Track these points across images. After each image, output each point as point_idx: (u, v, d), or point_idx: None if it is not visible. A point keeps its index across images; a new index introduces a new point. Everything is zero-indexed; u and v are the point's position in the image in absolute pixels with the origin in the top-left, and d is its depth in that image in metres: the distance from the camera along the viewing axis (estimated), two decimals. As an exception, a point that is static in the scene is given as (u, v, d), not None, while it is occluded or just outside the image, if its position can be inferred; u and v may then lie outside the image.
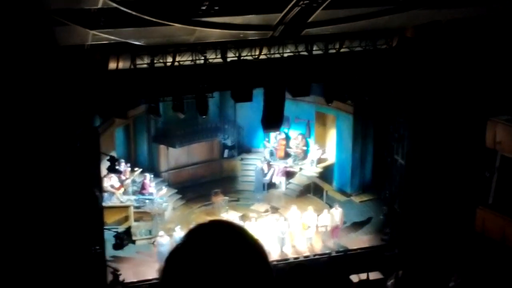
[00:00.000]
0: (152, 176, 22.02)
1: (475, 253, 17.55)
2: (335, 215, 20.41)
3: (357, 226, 21.33)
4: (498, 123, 17.70)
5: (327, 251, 19.91)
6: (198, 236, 1.96)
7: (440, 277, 16.15)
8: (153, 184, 21.78)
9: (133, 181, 21.59)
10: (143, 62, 16.34)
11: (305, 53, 17.44)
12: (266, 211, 22.00)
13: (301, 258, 19.55)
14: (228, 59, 16.87)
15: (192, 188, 23.38)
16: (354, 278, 17.78)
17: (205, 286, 1.83)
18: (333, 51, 17.59)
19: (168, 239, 18.88)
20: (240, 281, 1.85)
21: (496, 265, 16.64)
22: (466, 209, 18.51)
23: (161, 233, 19.22)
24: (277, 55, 17.34)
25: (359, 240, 20.54)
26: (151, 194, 21.39)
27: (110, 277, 17.49)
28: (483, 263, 16.87)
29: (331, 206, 22.08)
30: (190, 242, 1.94)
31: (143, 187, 21.41)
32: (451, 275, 16.26)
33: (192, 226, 2.03)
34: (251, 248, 1.94)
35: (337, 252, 19.87)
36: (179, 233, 19.22)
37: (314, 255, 19.74)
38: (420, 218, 19.18)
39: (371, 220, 21.51)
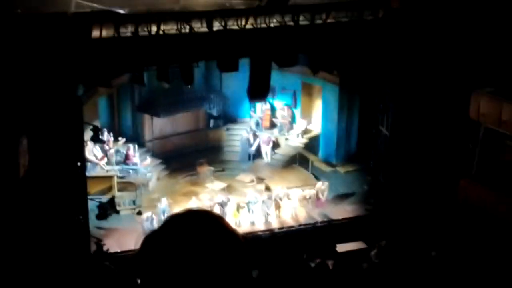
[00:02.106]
0: (136, 146, 21.93)
1: (457, 223, 17.73)
2: (321, 189, 20.59)
3: (341, 196, 21.43)
4: (482, 95, 17.75)
5: (312, 221, 20.02)
6: (174, 223, 1.96)
7: (422, 247, 16.29)
8: (137, 154, 21.71)
9: (117, 151, 21.49)
10: (127, 31, 16.14)
11: (291, 23, 17.31)
12: (252, 181, 22.04)
13: (286, 228, 19.65)
14: (214, 29, 16.72)
15: (177, 158, 23.31)
16: (338, 247, 17.92)
17: (178, 270, 1.83)
18: (320, 21, 17.47)
19: (151, 215, 18.80)
20: (213, 266, 1.85)
21: (477, 234, 16.81)
22: (449, 180, 18.64)
23: (145, 203, 19.22)
24: (264, 25, 17.19)
25: (344, 210, 20.66)
26: (135, 164, 21.33)
27: (93, 247, 17.49)
28: (465, 233, 17.04)
29: (316, 177, 22.18)
30: (166, 229, 1.94)
31: (127, 157, 21.34)
32: (433, 245, 16.41)
33: (171, 212, 2.04)
34: (227, 235, 1.93)
35: (321, 222, 19.98)
36: (164, 202, 19.23)
37: (299, 225, 19.84)
38: (404, 189, 19.31)
39: (355, 190, 21.62)
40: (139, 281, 1.98)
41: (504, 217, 17.17)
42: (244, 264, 1.93)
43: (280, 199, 20.20)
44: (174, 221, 1.99)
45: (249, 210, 19.72)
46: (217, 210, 18.70)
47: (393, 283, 14.39)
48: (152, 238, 1.95)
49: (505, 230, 16.69)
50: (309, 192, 20.58)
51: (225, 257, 1.89)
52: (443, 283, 14.12)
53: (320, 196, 20.51)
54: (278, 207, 20.12)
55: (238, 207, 19.75)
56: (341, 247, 18.19)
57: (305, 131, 24.03)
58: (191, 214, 2.01)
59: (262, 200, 19.87)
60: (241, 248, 1.94)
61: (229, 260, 1.89)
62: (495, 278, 13.89)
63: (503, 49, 17.66)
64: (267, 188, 21.48)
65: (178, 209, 19.39)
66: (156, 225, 18.52)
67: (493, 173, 18.13)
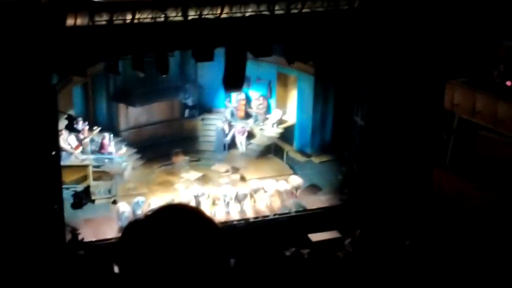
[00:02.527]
0: (111, 135, 21.81)
1: (431, 213, 17.93)
2: (294, 177, 20.71)
3: (316, 186, 21.54)
4: (456, 86, 17.93)
5: (286, 211, 20.11)
6: (155, 215, 1.99)
7: (396, 236, 16.45)
8: (112, 143, 21.58)
9: (92, 140, 21.35)
10: (101, 19, 16.02)
11: (267, 13, 17.31)
12: (227, 171, 22.03)
13: (261, 218, 19.72)
14: (189, 18, 16.65)
15: (152, 147, 23.21)
16: (313, 237, 18.03)
17: (157, 259, 1.86)
18: (295, 11, 17.50)
19: (127, 206, 18.78)
20: (192, 255, 1.88)
21: (451, 224, 17.02)
22: (423, 170, 18.83)
23: (120, 193, 19.18)
24: (239, 15, 17.17)
25: (318, 200, 20.77)
26: (110, 153, 21.21)
27: (69, 237, 17.40)
28: (439, 222, 17.24)
29: (291, 167, 22.26)
30: (147, 219, 1.97)
31: (102, 146, 21.21)
32: (407, 234, 16.57)
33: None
34: (205, 226, 1.97)
35: (296, 212, 20.07)
36: (140, 198, 19.22)
37: (274, 215, 19.92)
38: (378, 179, 19.46)
39: (330, 181, 21.72)
40: (116, 269, 2.00)
41: (478, 207, 17.41)
42: (222, 253, 1.96)
43: (255, 192, 20.28)
44: (155, 213, 2.02)
45: (224, 202, 19.77)
46: (193, 202, 18.76)
47: (368, 272, 14.52)
48: (133, 228, 1.98)
49: (477, 220, 16.93)
50: (284, 186, 20.58)
51: (203, 247, 1.92)
52: (417, 273, 14.27)
53: (294, 191, 20.61)
54: (252, 197, 20.20)
55: (214, 201, 19.80)
56: (316, 237, 18.31)
57: (280, 121, 24.06)
58: (170, 207, 2.06)
59: (236, 194, 19.90)
60: (218, 237, 1.98)
61: (208, 249, 1.92)
62: (469, 266, 14.08)
63: (477, 39, 17.84)
64: (242, 178, 21.52)
65: (153, 199, 19.42)
66: (130, 212, 18.54)
67: (467, 163, 18.36)
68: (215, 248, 2.00)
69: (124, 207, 18.71)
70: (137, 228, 1.99)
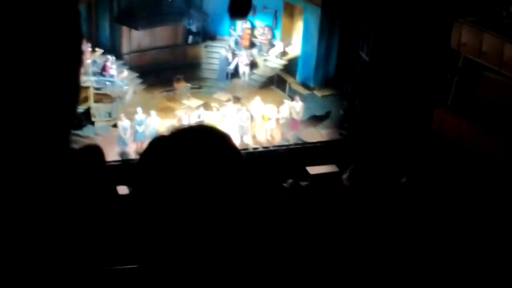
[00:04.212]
0: (113, 58, 21.62)
1: (429, 152, 17.97)
2: (295, 108, 20.56)
3: (316, 120, 21.52)
4: (464, 25, 17.67)
5: (286, 143, 20.16)
6: (183, 134, 1.92)
7: (394, 173, 16.55)
8: (114, 66, 21.43)
9: (94, 62, 21.19)
10: None
11: None
12: (228, 100, 21.96)
13: (260, 149, 19.78)
14: None
15: (154, 72, 23.07)
16: (311, 170, 18.12)
17: (178, 179, 1.81)
18: None
19: (128, 123, 18.84)
20: (216, 182, 1.84)
21: (449, 164, 17.09)
22: (424, 108, 18.78)
23: (122, 116, 19.15)
24: None
25: (318, 134, 20.80)
26: (112, 76, 21.09)
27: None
28: (437, 161, 17.31)
29: (292, 99, 22.18)
30: (174, 137, 1.91)
31: (104, 68, 21.07)
32: (404, 171, 16.67)
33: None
34: (234, 155, 1.92)
35: (295, 144, 20.12)
36: (140, 116, 19.19)
37: (273, 146, 19.98)
38: (379, 115, 19.44)
39: (331, 115, 21.71)
40: (124, 191, 1.97)
41: (476, 149, 17.45)
42: (246, 186, 1.92)
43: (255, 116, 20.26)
44: (183, 131, 1.95)
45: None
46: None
47: (363, 207, 14.66)
48: (157, 144, 1.91)
49: (475, 162, 16.99)
50: (284, 109, 20.48)
51: (230, 175, 1.88)
52: (412, 210, 14.42)
53: (295, 116, 20.49)
54: (252, 121, 20.14)
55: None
56: (314, 170, 18.40)
57: (284, 53, 23.85)
58: (199, 128, 1.98)
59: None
60: (245, 168, 1.93)
61: (234, 179, 1.88)
62: (463, 206, 14.21)
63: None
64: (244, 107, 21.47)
65: (155, 122, 19.34)
66: (130, 136, 18.59)
67: (469, 104, 18.28)
68: (241, 179, 1.94)
69: (125, 125, 18.75)
70: (161, 144, 1.91)
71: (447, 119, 18.47)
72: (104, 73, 21.03)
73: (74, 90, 1.72)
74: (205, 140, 1.89)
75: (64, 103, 1.72)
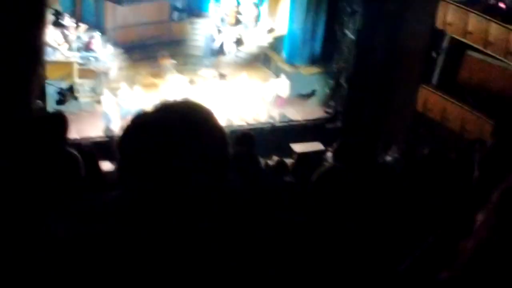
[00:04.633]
0: (98, 33, 21.42)
1: (414, 131, 18.06)
2: (281, 85, 20.55)
3: (302, 98, 21.51)
4: (450, 4, 17.69)
5: (271, 121, 20.15)
6: (167, 107, 1.89)
7: (378, 150, 16.60)
8: (99, 42, 21.24)
9: (78, 38, 20.99)
10: None
11: None
12: (213, 77, 21.88)
13: (245, 126, 19.76)
14: None
15: (139, 49, 22.88)
16: (295, 147, 18.15)
17: (163, 153, 1.78)
18: None
19: (113, 99, 18.74)
20: (199, 156, 1.81)
21: (433, 143, 17.18)
22: (409, 87, 18.83)
23: (106, 92, 19.03)
24: None
25: (303, 112, 20.80)
26: (96, 52, 20.91)
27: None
28: (421, 141, 17.39)
29: (278, 77, 22.14)
30: (158, 111, 1.88)
31: (88, 44, 20.89)
32: (388, 149, 16.73)
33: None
34: (217, 130, 1.90)
35: (280, 122, 20.13)
36: (125, 92, 19.08)
37: (258, 124, 19.97)
38: (365, 93, 19.47)
39: (316, 93, 21.71)
40: (109, 166, 1.95)
41: (460, 129, 17.55)
42: (226, 162, 1.90)
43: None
44: (166, 107, 1.92)
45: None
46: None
47: (346, 186, 14.71)
48: (140, 119, 1.88)
49: (459, 141, 17.08)
50: (269, 87, 20.50)
51: (212, 149, 1.85)
52: (393, 189, 14.50)
53: (280, 94, 20.51)
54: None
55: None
56: (298, 147, 18.43)
57: (270, 30, 23.75)
58: (184, 104, 1.95)
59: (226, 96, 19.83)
60: (227, 144, 1.92)
61: (216, 153, 1.86)
62: (448, 187, 14.30)
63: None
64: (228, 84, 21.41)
65: (140, 98, 19.26)
66: (115, 112, 18.50)
67: (454, 83, 18.36)
68: (223, 155, 1.92)
69: (109, 101, 18.65)
70: (144, 120, 1.89)
71: (431, 98, 18.56)
72: (89, 48, 20.84)
73: (33, 52, 1.68)
74: (188, 116, 1.86)
75: (21, 64, 1.68)
